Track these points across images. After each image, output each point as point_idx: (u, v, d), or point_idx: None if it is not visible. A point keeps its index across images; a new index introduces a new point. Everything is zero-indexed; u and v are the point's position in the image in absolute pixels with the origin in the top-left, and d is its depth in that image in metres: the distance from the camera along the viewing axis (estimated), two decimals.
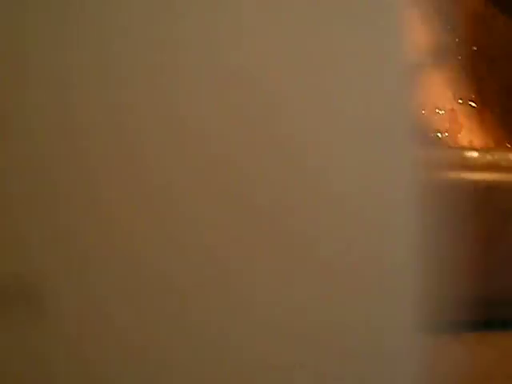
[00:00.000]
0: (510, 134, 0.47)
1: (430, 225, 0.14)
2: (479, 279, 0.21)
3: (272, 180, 0.13)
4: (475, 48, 0.51)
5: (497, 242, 0.27)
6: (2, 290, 0.12)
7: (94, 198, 0.13)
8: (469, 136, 0.47)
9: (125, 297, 0.13)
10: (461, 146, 0.46)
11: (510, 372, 0.30)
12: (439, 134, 0.46)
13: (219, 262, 0.13)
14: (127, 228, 0.13)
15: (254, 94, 0.13)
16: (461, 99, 0.48)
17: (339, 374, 0.14)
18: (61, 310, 0.13)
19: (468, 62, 0.51)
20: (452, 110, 0.48)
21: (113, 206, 0.13)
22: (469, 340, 0.25)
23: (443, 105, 0.48)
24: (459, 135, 0.47)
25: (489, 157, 0.25)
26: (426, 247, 0.14)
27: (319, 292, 0.14)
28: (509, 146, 0.46)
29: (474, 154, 0.25)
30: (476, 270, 0.20)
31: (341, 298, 0.14)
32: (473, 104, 0.48)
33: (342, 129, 0.14)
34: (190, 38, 0.13)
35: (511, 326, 0.28)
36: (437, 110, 0.47)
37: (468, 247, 0.19)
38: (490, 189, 0.25)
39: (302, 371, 0.14)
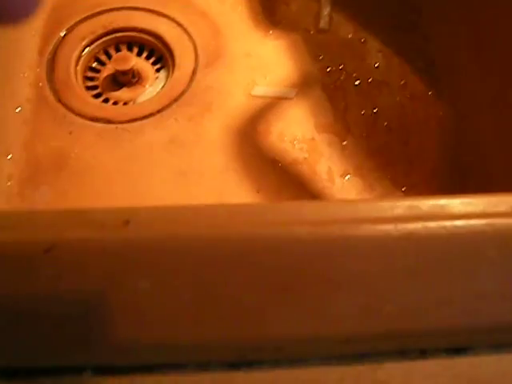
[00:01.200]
0: (370, 161, 0.50)
1: None
2: None
3: None
4: (342, 77, 0.54)
5: None
6: None
7: None
8: (328, 164, 0.49)
9: None
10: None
11: None
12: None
13: None
14: None
15: None
16: (322, 128, 0.50)
17: None
18: None
19: (334, 90, 0.53)
20: (312, 139, 0.50)
21: None
22: None
23: (303, 134, 0.50)
24: (319, 164, 0.49)
25: None
26: None
27: None
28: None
29: None
30: None
31: None
32: (333, 133, 0.50)
33: None
34: None
35: None
36: (295, 141, 0.49)
37: None
38: None
39: None
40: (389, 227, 0.22)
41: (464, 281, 0.22)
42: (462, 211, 0.22)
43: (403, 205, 0.22)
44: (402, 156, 0.50)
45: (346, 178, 0.48)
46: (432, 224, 0.22)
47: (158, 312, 0.20)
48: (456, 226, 0.22)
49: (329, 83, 0.53)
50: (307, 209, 0.22)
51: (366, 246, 0.21)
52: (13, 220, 0.21)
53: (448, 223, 0.22)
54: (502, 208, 0.22)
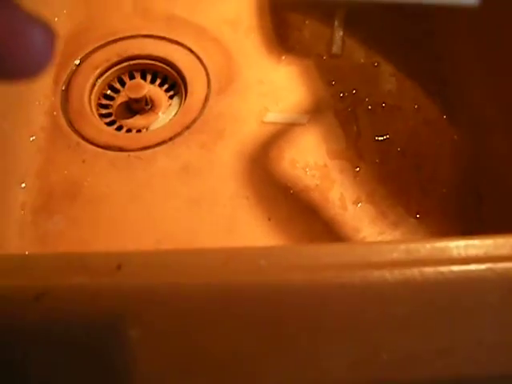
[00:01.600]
0: (383, 188, 0.49)
1: None
2: None
3: None
4: (355, 102, 0.53)
5: None
6: None
7: None
8: (340, 190, 0.49)
9: None
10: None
11: None
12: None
13: None
14: None
15: None
16: (334, 155, 0.50)
17: None
18: None
19: (346, 116, 0.53)
20: (325, 165, 0.50)
21: None
22: None
23: (315, 161, 0.50)
24: (331, 191, 0.49)
25: None
26: None
27: None
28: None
29: None
30: None
31: None
32: (345, 159, 0.50)
33: None
34: None
35: None
36: (307, 168, 0.49)
37: None
38: None
39: None
40: (384, 273, 0.21)
41: (464, 329, 0.21)
42: (463, 255, 0.22)
43: (400, 248, 0.22)
44: (415, 182, 0.49)
45: (359, 205, 0.48)
46: (429, 269, 0.21)
47: (148, 362, 0.19)
48: (453, 272, 0.21)
49: (341, 109, 0.53)
50: (301, 253, 0.21)
51: (360, 294, 0.21)
52: (4, 265, 0.21)
53: (445, 269, 0.21)
54: (505, 250, 0.22)
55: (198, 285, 0.21)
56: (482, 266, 0.21)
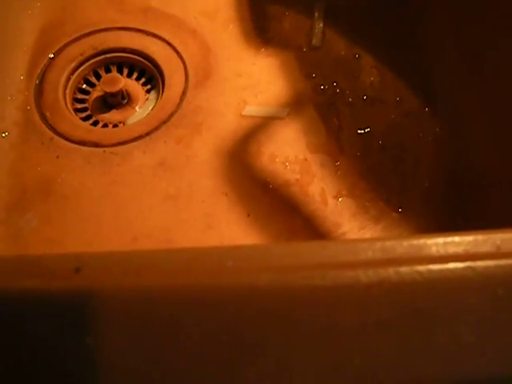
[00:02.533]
0: (364, 182, 0.48)
1: None
2: None
3: None
4: (336, 95, 0.52)
5: None
6: None
7: None
8: (321, 185, 0.48)
9: None
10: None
11: None
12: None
13: None
14: None
15: None
16: (315, 148, 0.49)
17: None
18: None
19: (327, 109, 0.52)
20: (305, 159, 0.49)
21: None
22: None
23: (295, 155, 0.48)
24: (311, 185, 0.48)
25: None
26: None
27: None
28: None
29: None
30: None
31: None
32: (326, 153, 0.49)
33: None
34: None
35: None
36: (287, 163, 0.48)
37: None
38: None
39: None
40: (358, 273, 0.20)
41: (442, 331, 0.20)
42: (441, 252, 0.21)
43: (375, 246, 0.20)
44: (397, 176, 0.48)
45: (339, 199, 0.47)
46: (405, 269, 0.20)
47: (105, 372, 0.18)
48: (431, 271, 0.20)
49: (322, 102, 0.52)
50: (270, 253, 0.20)
51: (332, 296, 0.20)
52: None
53: (423, 268, 0.20)
54: (486, 248, 0.21)
55: (161, 287, 0.20)
56: (462, 265, 0.20)
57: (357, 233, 0.45)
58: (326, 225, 0.45)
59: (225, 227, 0.46)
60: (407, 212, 0.46)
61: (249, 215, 0.46)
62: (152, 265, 0.20)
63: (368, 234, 0.45)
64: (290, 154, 0.49)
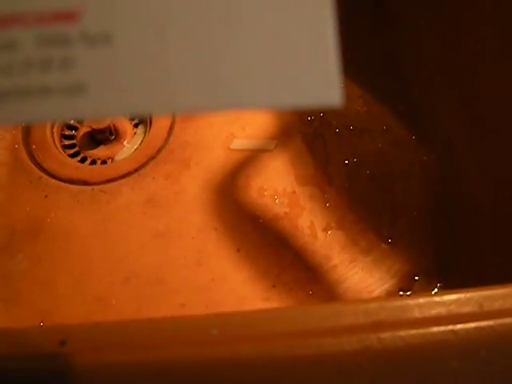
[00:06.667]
0: (353, 213, 0.48)
1: None
2: None
3: None
4: (323, 126, 0.52)
5: None
6: None
7: None
8: (310, 218, 0.48)
9: None
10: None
11: None
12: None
13: None
14: None
15: None
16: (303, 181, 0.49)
17: None
18: None
19: (314, 140, 0.52)
20: (293, 192, 0.49)
21: None
22: None
23: (284, 188, 0.49)
24: (300, 218, 0.48)
25: None
26: None
27: None
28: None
29: None
30: None
31: None
32: (314, 185, 0.49)
33: None
34: None
35: None
36: (275, 196, 0.48)
37: None
38: None
39: None
40: (341, 341, 0.20)
41: None
42: (426, 314, 0.21)
43: (358, 310, 0.20)
44: (385, 206, 0.48)
45: (329, 232, 0.47)
46: (387, 335, 0.20)
47: None
48: (413, 336, 0.20)
49: (308, 132, 0.52)
50: (254, 320, 0.20)
51: (315, 365, 0.20)
52: None
53: (404, 333, 0.20)
54: (468, 308, 0.21)
55: (146, 362, 0.20)
56: (442, 328, 0.20)
57: (347, 266, 0.45)
58: (317, 258, 0.46)
59: (215, 263, 0.46)
60: (397, 243, 0.46)
61: (239, 250, 0.46)
62: (137, 336, 0.20)
63: (358, 266, 0.45)
64: (278, 186, 0.49)
